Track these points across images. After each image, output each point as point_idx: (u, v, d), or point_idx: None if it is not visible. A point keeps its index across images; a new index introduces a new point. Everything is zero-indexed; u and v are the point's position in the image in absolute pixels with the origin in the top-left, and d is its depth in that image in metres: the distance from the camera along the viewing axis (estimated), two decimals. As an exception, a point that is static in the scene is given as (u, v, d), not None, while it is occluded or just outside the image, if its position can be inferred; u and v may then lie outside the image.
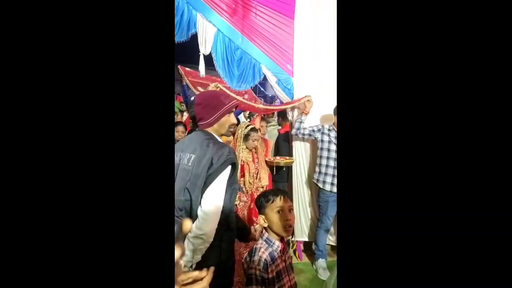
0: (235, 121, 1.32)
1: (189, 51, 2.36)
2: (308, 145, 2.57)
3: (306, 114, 2.38)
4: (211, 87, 2.21)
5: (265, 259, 1.02)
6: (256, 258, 1.03)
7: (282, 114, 3.06)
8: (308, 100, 2.36)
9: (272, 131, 3.31)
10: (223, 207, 1.13)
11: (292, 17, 2.42)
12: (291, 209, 1.10)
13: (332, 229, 2.43)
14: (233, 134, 1.42)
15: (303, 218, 2.62)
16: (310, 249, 2.63)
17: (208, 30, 2.22)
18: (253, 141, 2.16)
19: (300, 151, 2.57)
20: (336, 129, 2.24)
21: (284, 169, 2.60)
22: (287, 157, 2.55)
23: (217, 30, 2.25)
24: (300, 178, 2.59)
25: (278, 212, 1.07)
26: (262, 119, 3.30)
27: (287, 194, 1.15)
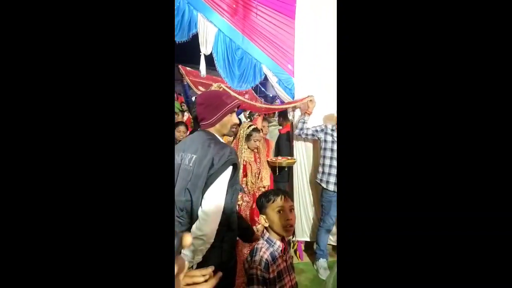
0: (237, 121, 1.32)
1: (190, 51, 2.36)
2: (309, 145, 2.57)
3: (309, 114, 2.38)
4: (214, 87, 2.22)
5: (266, 259, 1.02)
6: (257, 258, 1.03)
7: (283, 114, 3.06)
8: (310, 100, 2.36)
9: (273, 131, 3.31)
10: (224, 207, 1.13)
11: (293, 17, 2.42)
12: (292, 209, 1.10)
13: (334, 229, 2.43)
14: (235, 134, 1.41)
15: (304, 218, 2.62)
16: (311, 249, 2.63)
17: (209, 30, 2.22)
18: (255, 141, 2.16)
19: (301, 151, 2.57)
20: None
21: (285, 169, 2.61)
22: (289, 157, 2.55)
23: (218, 30, 2.25)
24: (301, 178, 2.59)
25: (279, 212, 1.07)
26: (264, 119, 3.30)
27: (288, 194, 1.15)
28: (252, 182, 2.19)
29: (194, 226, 1.11)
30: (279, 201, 1.08)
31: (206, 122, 1.24)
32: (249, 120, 4.26)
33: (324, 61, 2.36)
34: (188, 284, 0.53)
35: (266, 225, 1.10)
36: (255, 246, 1.09)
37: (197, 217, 1.11)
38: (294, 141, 2.58)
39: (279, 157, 2.55)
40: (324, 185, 2.29)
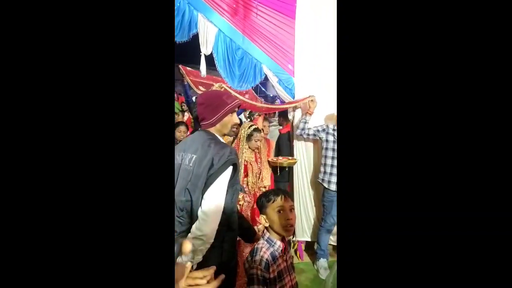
0: (237, 121, 1.32)
1: (190, 51, 2.36)
2: (309, 145, 2.57)
3: (310, 114, 2.38)
4: (216, 87, 2.21)
5: (267, 259, 1.02)
6: (257, 258, 1.03)
7: (283, 114, 3.06)
8: (312, 100, 2.36)
9: (274, 131, 3.31)
10: (224, 207, 1.13)
11: (293, 17, 2.42)
12: (292, 209, 1.10)
13: (334, 229, 2.43)
14: (236, 134, 1.41)
15: (304, 218, 2.62)
16: (311, 248, 2.63)
17: (209, 30, 2.22)
18: (256, 141, 2.16)
19: (301, 151, 2.57)
20: None
21: (286, 169, 2.61)
22: (290, 158, 2.55)
23: (218, 30, 2.25)
24: (302, 177, 2.59)
25: (279, 211, 1.07)
26: (265, 119, 3.30)
27: (288, 194, 1.15)
28: (253, 182, 2.19)
29: (194, 226, 1.11)
30: (279, 201, 1.08)
31: (207, 122, 1.24)
32: (249, 120, 4.26)
33: (324, 61, 2.36)
34: (190, 285, 0.53)
35: (266, 225, 1.10)
36: (256, 246, 1.09)
37: (197, 217, 1.11)
38: (295, 141, 2.58)
39: (280, 157, 2.54)
40: (326, 185, 2.29)
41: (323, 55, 2.38)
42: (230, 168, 1.14)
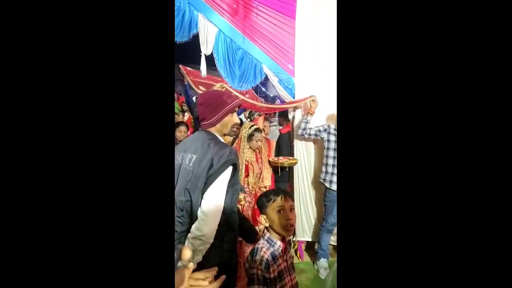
0: (238, 121, 1.32)
1: (190, 51, 2.36)
2: (309, 144, 2.57)
3: (312, 114, 2.38)
4: (217, 87, 2.21)
5: (267, 259, 1.02)
6: (257, 257, 1.03)
7: (284, 114, 3.06)
8: (313, 100, 2.36)
9: (274, 131, 3.31)
10: (224, 207, 1.13)
11: (293, 17, 2.42)
12: (292, 209, 1.10)
13: (335, 229, 2.43)
14: (236, 134, 1.41)
15: (304, 217, 2.62)
16: (312, 248, 2.63)
17: (209, 30, 2.22)
18: (257, 141, 2.16)
19: (302, 151, 2.57)
20: None
21: (286, 169, 2.61)
22: (291, 158, 2.55)
23: (219, 30, 2.25)
24: (302, 177, 2.59)
25: (279, 211, 1.07)
26: (265, 119, 3.30)
27: (288, 194, 1.15)
28: (253, 183, 2.19)
29: (193, 226, 1.11)
30: (279, 200, 1.08)
31: (207, 122, 1.24)
32: (249, 120, 4.26)
33: (325, 61, 2.36)
34: (192, 286, 0.54)
35: (267, 225, 1.10)
36: (256, 246, 1.09)
37: (197, 217, 1.11)
38: (295, 141, 2.58)
39: (281, 157, 2.54)
40: (327, 184, 2.29)
41: (323, 55, 2.38)
42: (230, 168, 1.14)
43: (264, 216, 1.10)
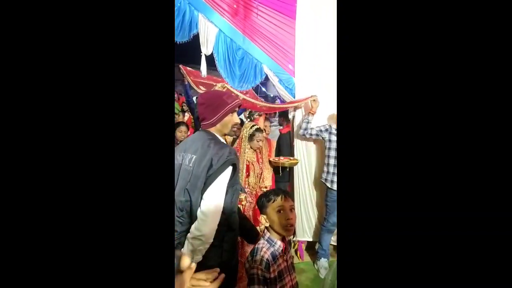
0: (238, 121, 1.32)
1: (190, 52, 2.36)
2: (309, 144, 2.56)
3: (313, 114, 2.39)
4: (218, 87, 2.21)
5: (267, 259, 1.02)
6: (258, 257, 1.03)
7: (284, 114, 3.06)
8: (314, 100, 2.36)
9: (274, 131, 3.31)
10: (224, 207, 1.13)
11: (293, 17, 2.42)
12: (292, 209, 1.10)
13: (336, 229, 2.43)
14: (237, 134, 1.41)
15: (304, 217, 2.62)
16: (312, 248, 2.63)
17: (209, 30, 2.22)
18: (258, 141, 2.16)
19: (302, 151, 2.57)
20: None
21: (287, 169, 2.61)
22: (292, 158, 2.55)
23: (219, 31, 2.26)
24: (302, 177, 2.59)
25: (279, 211, 1.07)
26: (266, 119, 3.30)
27: (288, 194, 1.15)
28: (254, 183, 2.19)
29: (192, 227, 1.11)
30: (279, 200, 1.08)
31: (207, 122, 1.24)
32: (249, 120, 4.26)
33: (325, 61, 2.36)
34: (193, 286, 0.55)
35: (267, 225, 1.10)
36: (256, 246, 1.09)
37: (196, 218, 1.11)
38: (295, 141, 2.58)
39: (281, 157, 2.54)
40: (329, 184, 2.29)
41: (323, 55, 2.38)
42: (230, 168, 1.14)
43: (264, 216, 1.10)
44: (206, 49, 2.24)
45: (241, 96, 2.24)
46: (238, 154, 2.03)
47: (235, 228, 1.24)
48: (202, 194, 1.11)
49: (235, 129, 1.31)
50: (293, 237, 2.61)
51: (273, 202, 1.08)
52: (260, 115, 3.62)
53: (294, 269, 1.16)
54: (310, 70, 2.45)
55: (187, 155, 1.20)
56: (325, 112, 2.46)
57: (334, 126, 2.31)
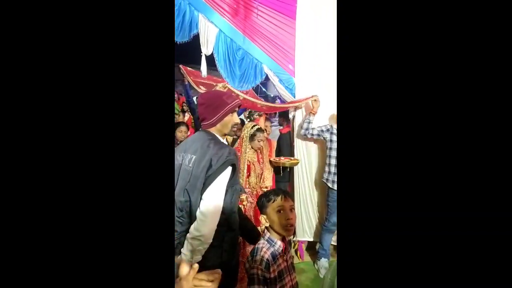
0: (238, 121, 1.32)
1: (191, 52, 2.37)
2: (309, 144, 2.56)
3: (314, 114, 2.39)
4: (219, 87, 2.21)
5: (267, 259, 1.02)
6: (258, 257, 1.03)
7: (284, 114, 3.06)
8: (315, 100, 2.36)
9: (274, 131, 3.31)
10: (223, 208, 1.13)
11: (293, 17, 2.42)
12: (292, 209, 1.10)
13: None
14: (237, 134, 1.40)
15: (304, 217, 2.62)
16: (312, 248, 2.62)
17: (210, 30, 2.23)
18: (259, 141, 2.15)
19: (302, 151, 2.57)
20: None
21: (287, 169, 2.61)
22: (292, 158, 2.55)
23: (219, 31, 2.26)
24: (302, 177, 2.58)
25: (279, 211, 1.07)
26: (266, 119, 3.30)
27: (288, 194, 1.15)
28: (255, 183, 2.19)
29: (192, 227, 1.11)
30: (279, 200, 1.08)
31: (207, 122, 1.24)
32: (249, 120, 4.26)
33: (325, 61, 2.36)
34: (195, 286, 0.55)
35: (267, 224, 1.10)
36: (256, 246, 1.09)
37: (195, 218, 1.11)
38: (295, 141, 2.58)
39: (282, 158, 2.54)
40: (330, 184, 2.29)
41: (323, 55, 2.38)
42: (229, 168, 1.14)
43: (264, 216, 1.10)
44: (206, 49, 2.24)
45: (242, 96, 2.24)
46: (239, 154, 2.03)
47: (235, 228, 1.24)
48: (201, 195, 1.11)
49: (235, 129, 1.31)
50: (293, 237, 2.61)
51: (273, 202, 1.08)
52: (260, 115, 3.62)
53: (294, 269, 1.16)
54: (310, 70, 2.45)
55: (187, 155, 1.20)
56: (325, 112, 2.46)
57: (335, 126, 2.31)
